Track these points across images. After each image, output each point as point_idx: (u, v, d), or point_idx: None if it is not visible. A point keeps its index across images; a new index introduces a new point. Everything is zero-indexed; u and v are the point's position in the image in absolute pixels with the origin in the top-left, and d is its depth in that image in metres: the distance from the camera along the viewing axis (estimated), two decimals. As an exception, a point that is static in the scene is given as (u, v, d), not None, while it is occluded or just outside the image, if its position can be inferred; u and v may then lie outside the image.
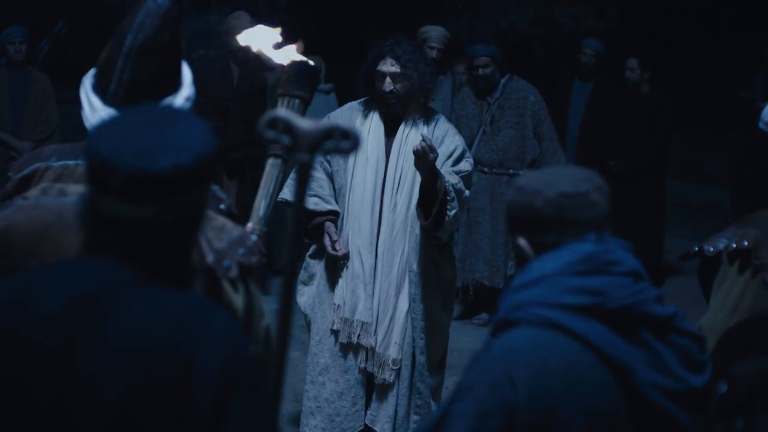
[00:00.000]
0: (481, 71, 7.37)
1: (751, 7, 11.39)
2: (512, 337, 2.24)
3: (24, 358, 1.91)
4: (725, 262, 3.18)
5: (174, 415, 1.88)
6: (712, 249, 3.22)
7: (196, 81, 2.66)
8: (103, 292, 1.93)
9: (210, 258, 2.41)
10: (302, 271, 5.03)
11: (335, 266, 4.89)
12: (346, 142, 2.00)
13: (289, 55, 3.08)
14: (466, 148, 4.98)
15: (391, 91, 4.74)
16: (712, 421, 2.25)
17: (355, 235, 4.83)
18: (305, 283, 5.01)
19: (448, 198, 4.63)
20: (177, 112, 2.11)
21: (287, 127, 2.01)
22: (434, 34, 7.95)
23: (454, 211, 4.66)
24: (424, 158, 4.43)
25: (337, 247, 4.80)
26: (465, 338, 6.92)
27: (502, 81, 7.43)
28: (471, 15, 11.86)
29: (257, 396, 1.96)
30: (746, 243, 3.18)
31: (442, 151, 4.73)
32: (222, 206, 2.65)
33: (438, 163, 4.63)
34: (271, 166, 3.02)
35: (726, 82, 10.70)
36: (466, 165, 4.85)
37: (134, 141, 1.93)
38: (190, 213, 2.00)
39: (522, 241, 2.35)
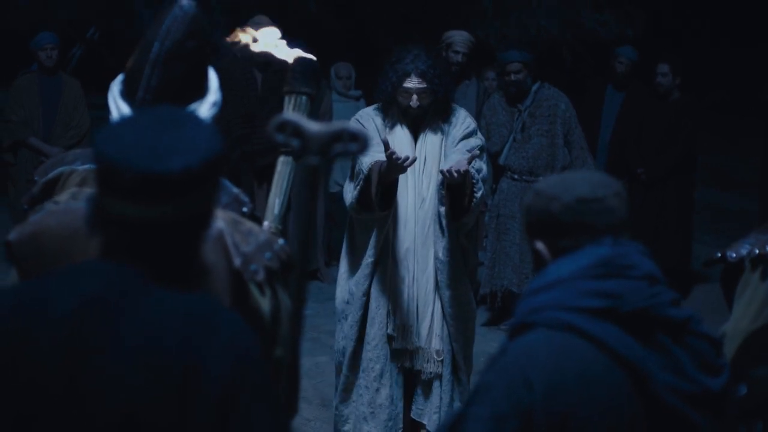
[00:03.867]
0: (513, 77, 7.36)
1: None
2: (529, 340, 2.25)
3: (34, 357, 1.93)
4: (748, 268, 3.16)
5: (181, 415, 1.90)
6: (734, 255, 3.20)
7: (221, 88, 2.68)
8: (111, 294, 1.95)
9: (237, 261, 2.43)
10: (361, 281, 5.01)
11: (386, 275, 4.95)
12: (354, 144, 2.02)
13: (293, 52, 3.08)
14: (477, 127, 5.09)
15: (418, 106, 4.85)
16: (733, 424, 2.24)
17: (402, 239, 4.93)
18: (364, 294, 5.01)
19: (474, 181, 4.75)
20: (184, 113, 2.12)
21: (296, 130, 2.03)
22: (459, 38, 7.98)
23: (480, 192, 4.80)
24: (456, 180, 4.60)
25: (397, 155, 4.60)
26: (492, 344, 6.93)
27: (534, 88, 7.42)
28: (500, 21, 11.85)
29: (265, 397, 1.98)
30: None
31: (456, 135, 4.94)
32: (245, 209, 2.67)
33: (451, 144, 4.88)
34: (283, 164, 3.04)
35: (751, 88, 10.65)
36: (476, 141, 4.97)
37: (142, 142, 1.95)
38: (198, 213, 2.02)
39: (539, 245, 2.37)
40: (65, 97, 8.55)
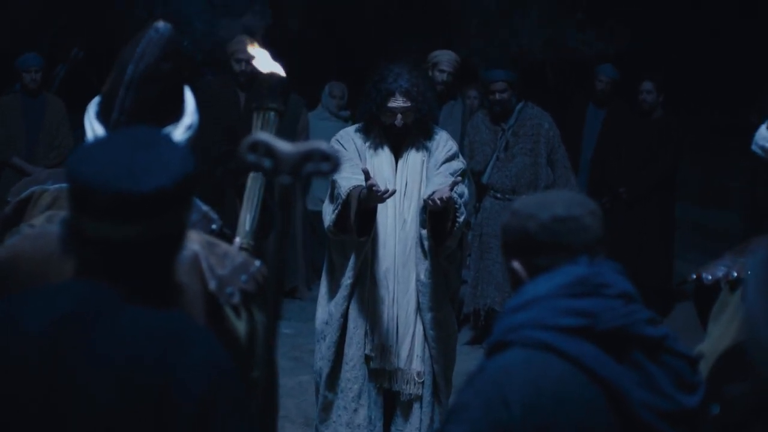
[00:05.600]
0: (498, 96, 7.38)
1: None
2: (506, 359, 2.27)
3: (11, 372, 1.96)
4: (725, 289, 3.15)
5: (157, 428, 1.92)
6: (710, 277, 3.19)
7: (204, 106, 2.68)
8: (86, 312, 1.98)
9: (212, 284, 2.43)
10: (340, 302, 5.00)
11: (364, 296, 4.94)
12: (326, 163, 2.02)
13: (262, 66, 3.08)
14: (459, 150, 5.10)
15: (402, 125, 4.84)
16: None
17: (381, 260, 4.90)
18: (342, 315, 5.01)
19: (456, 206, 4.73)
20: (157, 134, 2.15)
21: (268, 150, 2.04)
22: (445, 57, 8.00)
23: (462, 217, 4.78)
24: (439, 207, 4.58)
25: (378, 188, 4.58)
26: (476, 363, 6.90)
27: (517, 107, 7.43)
28: (482, 40, 11.86)
29: (240, 413, 2.00)
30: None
31: (438, 158, 4.92)
32: (213, 226, 2.68)
33: (434, 167, 4.87)
34: (253, 180, 3.04)
35: (735, 107, 10.68)
36: (458, 164, 4.96)
37: (115, 162, 1.98)
38: (171, 232, 2.05)
39: (516, 264, 2.38)
40: (48, 116, 8.55)
